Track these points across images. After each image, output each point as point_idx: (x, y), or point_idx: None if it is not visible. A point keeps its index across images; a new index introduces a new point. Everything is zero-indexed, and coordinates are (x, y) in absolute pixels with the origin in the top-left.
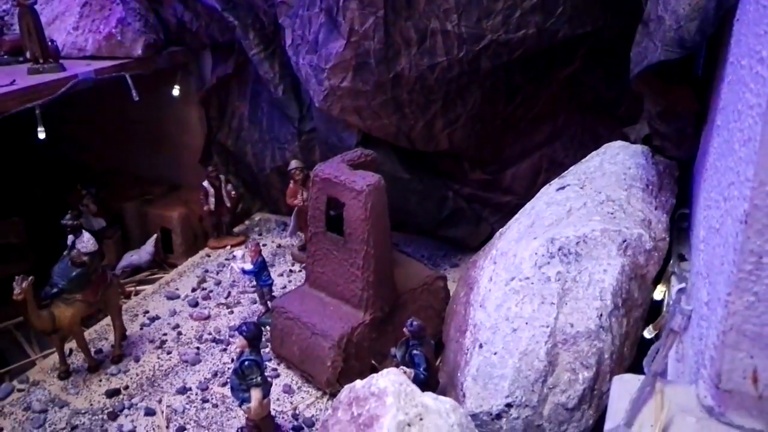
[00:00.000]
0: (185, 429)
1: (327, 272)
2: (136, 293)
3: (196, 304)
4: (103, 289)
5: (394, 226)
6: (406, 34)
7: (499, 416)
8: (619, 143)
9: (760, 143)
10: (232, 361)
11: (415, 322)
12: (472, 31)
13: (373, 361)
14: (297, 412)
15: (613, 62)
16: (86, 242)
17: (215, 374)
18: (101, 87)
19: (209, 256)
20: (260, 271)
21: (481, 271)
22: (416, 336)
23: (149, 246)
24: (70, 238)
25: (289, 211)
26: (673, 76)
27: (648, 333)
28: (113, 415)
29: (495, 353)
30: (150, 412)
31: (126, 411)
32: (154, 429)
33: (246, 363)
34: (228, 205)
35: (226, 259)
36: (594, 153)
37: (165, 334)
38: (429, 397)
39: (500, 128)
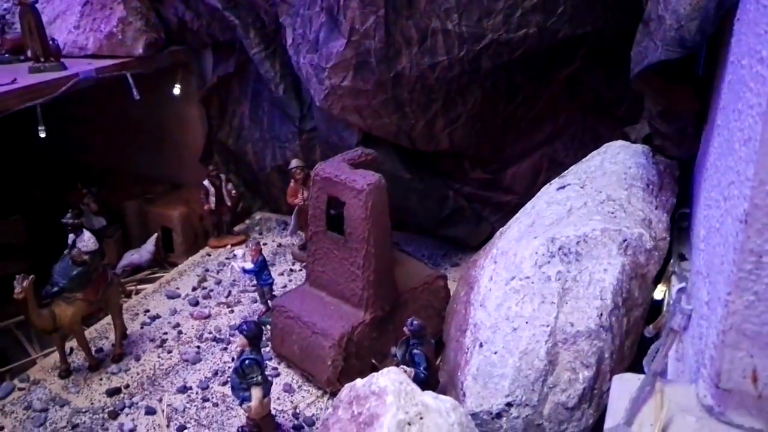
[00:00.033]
0: (186, 428)
1: (327, 271)
2: (137, 292)
3: (196, 303)
4: (104, 288)
5: (395, 225)
6: (406, 33)
7: (499, 415)
8: (619, 143)
9: (760, 143)
10: (233, 360)
11: (415, 322)
12: (472, 30)
13: (373, 360)
14: (297, 411)
15: (614, 62)
16: (87, 241)
17: (216, 373)
18: (102, 86)
19: (210, 255)
20: (261, 270)
21: (482, 271)
22: (417, 335)
23: (150, 245)
24: (71, 236)
25: (289, 210)
26: (674, 75)
27: (648, 332)
28: (114, 414)
29: (495, 352)
30: (150, 411)
31: (127, 410)
32: (154, 428)
33: (246, 362)
34: (228, 204)
35: (227, 258)
36: (594, 152)
37: (165, 333)
38: (429, 396)
39: (501, 128)
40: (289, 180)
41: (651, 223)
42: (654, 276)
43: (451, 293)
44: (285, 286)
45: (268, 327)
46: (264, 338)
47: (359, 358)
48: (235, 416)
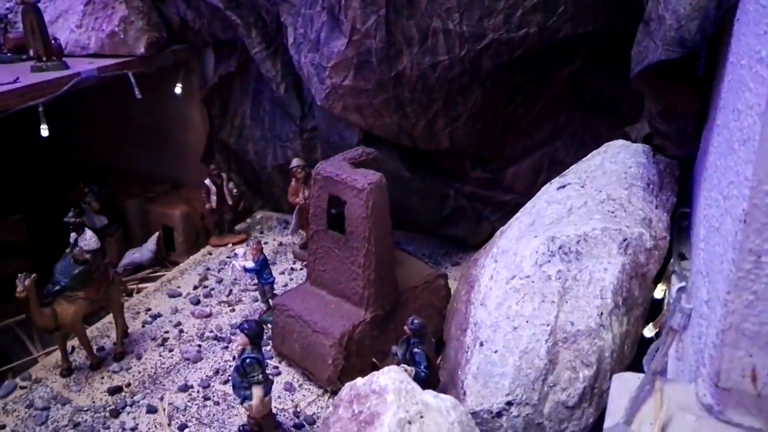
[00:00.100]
0: (187, 426)
1: (328, 270)
2: (138, 291)
3: (197, 302)
4: (105, 286)
5: (396, 224)
6: (407, 33)
7: (499, 414)
8: (619, 142)
9: (759, 143)
10: (234, 358)
11: (416, 321)
12: (473, 30)
13: (374, 359)
14: (298, 409)
15: (614, 61)
16: (88, 240)
17: (217, 372)
18: (104, 85)
19: (211, 254)
20: (262, 269)
21: (482, 270)
22: (417, 334)
23: (151, 244)
24: (73, 235)
25: (290, 209)
26: (674, 75)
27: (648, 331)
28: (115, 413)
29: (495, 351)
30: (152, 410)
31: (128, 408)
32: (155, 426)
33: (247, 361)
34: (230, 203)
35: (228, 257)
36: (595, 152)
37: (167, 332)
38: (429, 395)
39: (501, 127)
40: (290, 179)
41: (651, 222)
42: (654, 275)
43: (452, 292)
44: (286, 285)
45: (269, 326)
46: (265, 337)
47: (360, 357)
48: (236, 415)
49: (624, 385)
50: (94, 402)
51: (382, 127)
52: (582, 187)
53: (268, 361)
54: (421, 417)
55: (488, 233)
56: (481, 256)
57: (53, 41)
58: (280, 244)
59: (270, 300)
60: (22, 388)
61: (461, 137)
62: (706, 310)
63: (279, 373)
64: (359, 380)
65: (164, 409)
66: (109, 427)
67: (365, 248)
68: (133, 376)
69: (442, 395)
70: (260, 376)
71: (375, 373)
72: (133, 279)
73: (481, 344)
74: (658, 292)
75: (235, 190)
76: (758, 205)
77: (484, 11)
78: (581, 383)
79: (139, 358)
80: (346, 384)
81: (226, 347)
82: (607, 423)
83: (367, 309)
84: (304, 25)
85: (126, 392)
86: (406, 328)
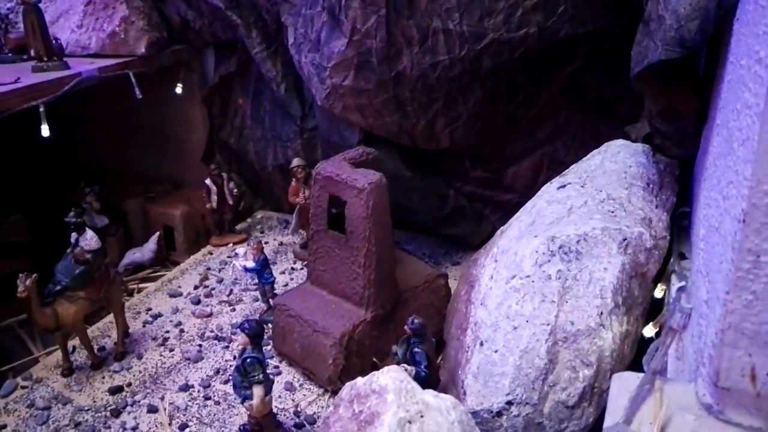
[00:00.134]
0: (187, 426)
1: (329, 270)
2: (139, 291)
3: (198, 302)
4: (106, 286)
5: (396, 224)
6: (407, 32)
7: (499, 414)
8: (620, 142)
9: (758, 143)
10: (234, 358)
11: (416, 320)
12: (473, 30)
13: (374, 359)
14: (299, 409)
15: (615, 61)
16: (89, 240)
17: (217, 371)
18: (105, 85)
19: (211, 253)
20: (262, 269)
21: (482, 269)
22: (417, 334)
23: (152, 244)
24: (74, 235)
25: (291, 209)
26: (674, 75)
27: (648, 331)
28: (116, 412)
29: (496, 351)
30: (152, 409)
31: (129, 408)
32: (156, 426)
33: (248, 360)
34: (230, 202)
35: (228, 257)
36: (595, 151)
37: (167, 332)
38: (430, 395)
39: (501, 127)
40: (291, 179)
41: (651, 222)
42: (654, 275)
43: (452, 292)
44: (286, 285)
45: (270, 325)
46: (265, 337)
47: (360, 357)
48: (237, 414)
49: (624, 384)
50: (95, 402)
51: (383, 126)
52: (582, 186)
53: (268, 360)
54: (422, 416)
55: (488, 233)
56: (481, 255)
57: (54, 41)
58: (281, 243)
59: (270, 300)
60: (23, 387)
61: (461, 137)
62: (705, 309)
63: (279, 373)
64: (359, 380)
65: (165, 409)
66: (110, 427)
67: (365, 248)
68: (134, 375)
69: (442, 395)
70: (261, 376)
71: (375, 372)
72: (133, 279)
73: (482, 344)
74: (658, 292)
75: (235, 190)
76: (757, 204)
77: (484, 11)
78: (581, 383)
79: (139, 357)
80: (347, 383)
81: (227, 347)
82: (607, 422)
83: (368, 309)
84: (304, 25)
85: (127, 392)
86: (406, 327)
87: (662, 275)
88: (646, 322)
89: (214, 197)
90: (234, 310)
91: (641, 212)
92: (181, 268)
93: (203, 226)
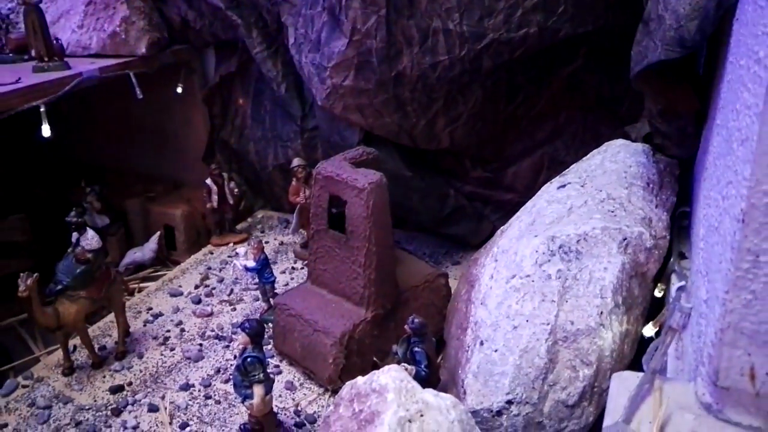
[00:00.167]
0: (188, 425)
1: (329, 269)
2: (140, 290)
3: (198, 301)
4: (107, 286)
5: (396, 223)
6: (408, 32)
7: (499, 413)
8: (620, 141)
9: (757, 143)
10: (235, 357)
11: (416, 320)
12: (473, 30)
13: (374, 358)
14: (299, 408)
15: (615, 61)
16: (90, 239)
17: (218, 371)
18: (105, 85)
19: (212, 253)
20: (263, 269)
21: (483, 269)
22: (417, 333)
23: (152, 243)
24: (75, 235)
25: (291, 208)
26: (674, 75)
27: (648, 330)
28: (117, 411)
29: (496, 350)
30: (153, 409)
31: (129, 407)
32: (157, 425)
33: (248, 360)
34: (231, 202)
35: (229, 257)
36: (595, 151)
37: (168, 331)
38: (429, 394)
39: (502, 126)
40: (291, 179)
41: (651, 221)
42: (654, 274)
43: (452, 291)
44: (287, 284)
45: (270, 325)
46: (266, 336)
47: (360, 356)
48: (238, 413)
49: (623, 383)
50: (95, 401)
51: (383, 126)
52: (582, 186)
53: (269, 360)
54: (421, 416)
55: (489, 232)
56: (481, 255)
57: (55, 41)
58: (281, 243)
59: (271, 299)
60: (24, 386)
61: (461, 137)
62: (705, 309)
63: (280, 372)
64: (360, 379)
65: (165, 408)
66: (110, 426)
67: (366, 248)
68: (135, 375)
69: (442, 394)
70: (261, 375)
71: (375, 371)
72: (134, 278)
73: (482, 343)
74: (658, 291)
75: (236, 190)
76: (756, 204)
77: (485, 11)
78: (581, 382)
79: (140, 357)
80: (347, 383)
81: (228, 346)
82: (607, 421)
83: (368, 308)
84: (304, 25)
85: (127, 391)
86: (406, 327)
87: (662, 275)
88: (646, 322)
89: (215, 197)
90: (234, 309)
91: (641, 212)
92: (181, 268)
93: (204, 226)
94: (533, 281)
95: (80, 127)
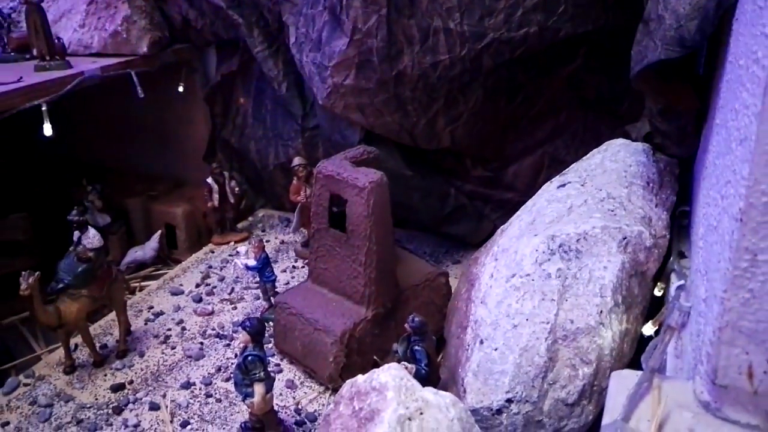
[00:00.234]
0: (189, 423)
1: (330, 268)
2: (141, 289)
3: (199, 300)
4: (108, 284)
5: (397, 222)
6: (408, 32)
7: (499, 411)
8: (620, 141)
9: (756, 143)
10: (236, 356)
11: (416, 318)
12: (474, 29)
13: (375, 357)
14: (299, 407)
15: (615, 61)
16: (92, 238)
17: (219, 369)
18: (107, 84)
19: (213, 252)
20: (263, 267)
21: (483, 268)
22: (418, 332)
23: (153, 242)
24: (76, 234)
25: (292, 207)
26: (674, 74)
27: (648, 329)
28: (118, 410)
29: (496, 349)
30: (154, 407)
31: (131, 405)
32: (158, 423)
33: (249, 358)
34: (232, 201)
35: (230, 255)
36: (595, 150)
37: (169, 330)
38: (429, 392)
39: (502, 126)
40: (292, 177)
41: (651, 220)
42: (654, 273)
43: (453, 290)
44: (287, 283)
45: (271, 323)
46: (267, 335)
47: (361, 355)
48: (238, 412)
49: (622, 382)
50: (97, 399)
51: (383, 125)
52: (582, 185)
53: (269, 358)
54: (421, 414)
55: (489, 232)
56: (481, 254)
57: (56, 41)
58: (282, 242)
59: (272, 298)
60: (25, 385)
61: (462, 136)
62: (704, 308)
63: (281, 371)
64: (360, 377)
65: (167, 406)
66: (111, 424)
67: (366, 246)
68: (136, 373)
69: (441, 392)
70: (262, 374)
71: (375, 370)
72: (135, 277)
73: (482, 342)
74: (658, 290)
75: (237, 189)
76: (754, 204)
77: (485, 11)
78: (581, 381)
79: (141, 355)
80: (347, 381)
81: (228, 345)
82: (605, 420)
83: (368, 307)
84: (305, 24)
85: (129, 389)
86: (406, 325)
87: (662, 274)
88: (646, 321)
89: (216, 196)
90: (235, 308)
91: (641, 211)
92: (182, 267)
93: (205, 225)
94: (533, 280)
95: (82, 126)
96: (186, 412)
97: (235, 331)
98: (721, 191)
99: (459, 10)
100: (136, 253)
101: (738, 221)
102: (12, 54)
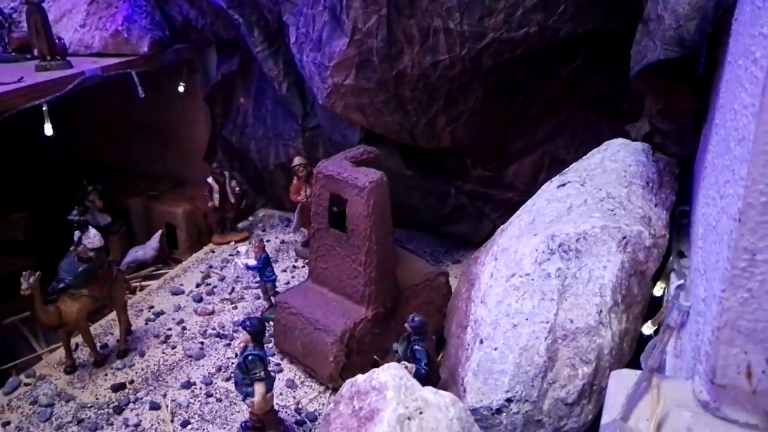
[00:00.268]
0: (189, 423)
1: (330, 268)
2: (141, 288)
3: (200, 300)
4: (109, 284)
5: (397, 222)
6: (408, 32)
7: (499, 411)
8: (620, 140)
9: (754, 143)
10: (236, 356)
11: (416, 318)
12: (474, 29)
13: (375, 357)
14: (300, 406)
15: (615, 60)
16: (92, 238)
17: (219, 369)
18: (107, 84)
19: (213, 251)
20: (264, 267)
21: (483, 268)
22: (418, 331)
23: (154, 242)
24: (77, 233)
25: (292, 207)
26: (674, 74)
27: (647, 329)
28: (119, 409)
29: (495, 349)
30: (155, 407)
31: (131, 405)
32: (158, 423)
33: (249, 358)
34: (232, 201)
35: (230, 255)
36: (595, 150)
37: (170, 329)
38: (429, 392)
39: (502, 125)
40: (292, 177)
41: (650, 220)
42: (653, 273)
43: (453, 290)
44: (288, 283)
45: (271, 323)
46: (267, 334)
47: (361, 354)
48: (239, 411)
49: (621, 381)
50: (97, 399)
51: (384, 125)
52: (582, 185)
53: (270, 358)
54: (421, 413)
55: (489, 231)
56: (481, 254)
57: (57, 41)
58: (282, 242)
59: (272, 298)
60: (26, 384)
61: (462, 136)
62: (703, 307)
63: (281, 370)
64: (359, 377)
65: (167, 406)
66: (112, 424)
67: (366, 246)
68: (137, 373)
69: (441, 392)
70: (262, 373)
71: (375, 369)
72: (136, 276)
73: (481, 341)
74: (658, 290)
75: (237, 188)
76: (752, 204)
77: (485, 10)
78: (580, 380)
79: (142, 355)
80: (347, 381)
81: (229, 344)
82: (604, 419)
83: (368, 306)
84: (306, 24)
85: (129, 389)
86: (406, 325)
87: (662, 273)
88: (645, 320)
89: (216, 195)
90: (236, 307)
91: (641, 211)
92: (183, 266)
93: (205, 225)
94: (533, 280)
95: (82, 126)
96: (186, 412)
97: (235, 331)
98: (719, 191)
99: (459, 10)
100: (137, 253)
101: (736, 221)
102: (13, 54)
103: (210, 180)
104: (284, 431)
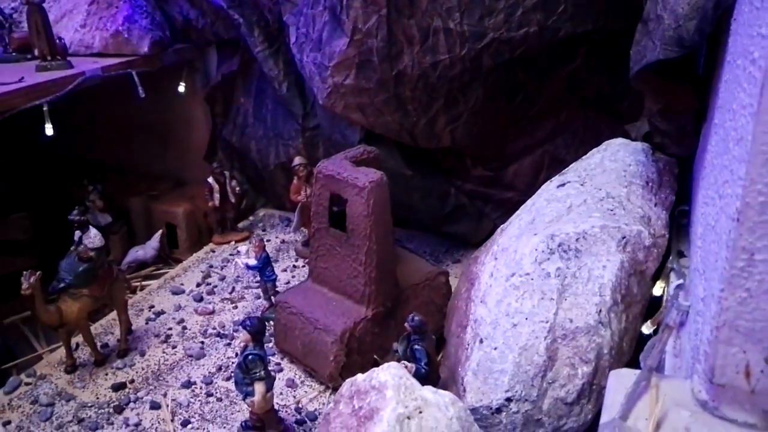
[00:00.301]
0: (190, 422)
1: (330, 268)
2: (142, 288)
3: (200, 299)
4: (109, 284)
5: (397, 222)
6: (408, 32)
7: (499, 410)
8: (619, 140)
9: (752, 143)
10: (236, 355)
11: (416, 318)
12: (474, 29)
13: (375, 356)
14: (300, 405)
15: (615, 60)
16: (93, 238)
17: (219, 368)
18: (108, 84)
19: (214, 251)
20: (264, 267)
21: (482, 267)
22: (418, 331)
23: (154, 241)
24: (77, 233)
25: (292, 207)
26: (673, 74)
27: (647, 328)
28: (119, 409)
29: (495, 348)
30: (155, 406)
31: (132, 404)
32: (159, 422)
33: (250, 357)
34: (232, 200)
35: (231, 255)
36: (595, 150)
37: (170, 329)
38: (428, 391)
39: (502, 125)
40: (293, 177)
41: (650, 220)
42: (653, 273)
43: (453, 290)
44: (288, 283)
45: (272, 323)
46: (267, 334)
47: (361, 354)
48: (239, 411)
49: (621, 381)
50: (98, 398)
51: (384, 125)
52: (582, 185)
53: (270, 357)
54: (420, 412)
55: (489, 231)
56: (481, 253)
57: (58, 41)
58: (283, 241)
59: (272, 297)
60: (26, 384)
61: (462, 135)
62: (702, 307)
63: (281, 370)
64: (359, 376)
65: (167, 405)
66: (112, 423)
67: (366, 246)
68: (137, 372)
69: (441, 391)
70: (262, 373)
71: (375, 369)
72: (136, 276)
73: (481, 341)
74: (657, 290)
75: (237, 188)
76: (751, 203)
77: (485, 10)
78: (580, 380)
79: (142, 354)
80: (347, 380)
81: (229, 344)
82: (604, 418)
83: (369, 306)
84: (306, 24)
85: (129, 388)
86: (406, 325)
87: (661, 273)
88: (645, 320)
89: (217, 195)
90: (236, 307)
91: (640, 210)
92: (183, 266)
93: (206, 224)
94: (533, 279)
95: (83, 126)
96: (187, 411)
97: (235, 331)
98: (718, 191)
99: (459, 10)
100: (137, 253)
101: (735, 221)
102: (13, 54)
103: (210, 180)
104: (284, 430)
